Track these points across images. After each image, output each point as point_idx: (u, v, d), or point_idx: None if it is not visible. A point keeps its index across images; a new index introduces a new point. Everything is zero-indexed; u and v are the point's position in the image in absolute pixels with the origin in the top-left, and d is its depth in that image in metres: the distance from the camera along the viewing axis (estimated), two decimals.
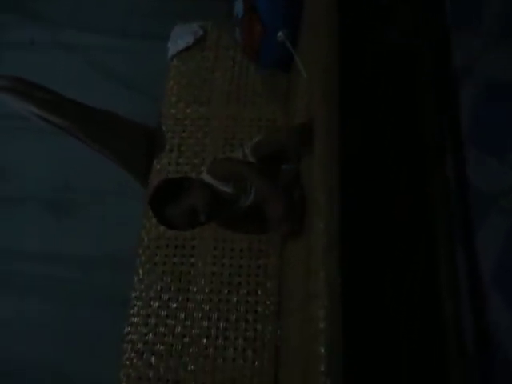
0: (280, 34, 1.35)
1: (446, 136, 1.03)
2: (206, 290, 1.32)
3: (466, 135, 0.96)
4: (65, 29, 1.95)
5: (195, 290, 1.33)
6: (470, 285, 0.92)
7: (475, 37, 1.05)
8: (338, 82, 1.01)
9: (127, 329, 1.30)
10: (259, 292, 1.30)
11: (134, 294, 1.34)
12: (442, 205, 1.03)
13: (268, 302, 1.28)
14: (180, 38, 1.68)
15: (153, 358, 1.26)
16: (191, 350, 1.26)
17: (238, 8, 1.44)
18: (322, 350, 0.75)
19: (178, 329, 1.29)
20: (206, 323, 1.28)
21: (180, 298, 1.32)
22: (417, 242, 1.00)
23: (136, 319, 1.30)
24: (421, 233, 1.01)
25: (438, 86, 1.11)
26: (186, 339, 1.27)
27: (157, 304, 1.31)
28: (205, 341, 1.26)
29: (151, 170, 1.50)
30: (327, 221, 0.84)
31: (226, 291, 1.31)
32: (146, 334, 1.29)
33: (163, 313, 1.30)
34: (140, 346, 1.28)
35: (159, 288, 1.33)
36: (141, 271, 1.37)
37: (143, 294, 1.34)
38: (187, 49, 1.67)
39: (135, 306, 1.32)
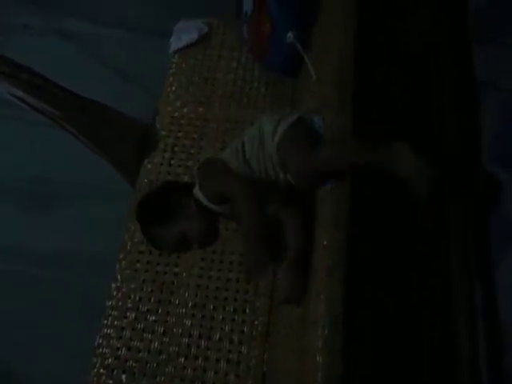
0: (290, 34, 1.27)
1: (465, 147, 0.94)
2: (190, 304, 1.20)
3: (489, 151, 0.88)
4: (61, 15, 1.86)
5: (177, 302, 1.21)
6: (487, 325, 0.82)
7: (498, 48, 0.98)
8: (352, 84, 0.92)
9: (98, 341, 1.17)
10: (247, 310, 1.19)
11: (109, 303, 1.21)
12: (459, 231, 0.94)
13: (256, 322, 1.17)
14: (183, 34, 1.59)
15: (124, 377, 1.13)
16: (167, 370, 1.13)
17: (247, 5, 1.36)
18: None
19: (155, 344, 1.16)
20: (186, 340, 1.16)
21: (160, 311, 1.20)
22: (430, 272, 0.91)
23: (109, 331, 1.18)
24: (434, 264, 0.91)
25: (458, 92, 1.03)
26: (163, 357, 1.15)
27: (134, 315, 1.19)
28: (183, 360, 1.14)
29: (141, 169, 1.40)
30: (331, 239, 0.74)
31: (211, 307, 1.20)
32: (118, 349, 1.16)
33: (140, 326, 1.18)
34: (111, 361, 1.15)
35: (138, 298, 1.21)
36: (120, 278, 1.25)
37: (120, 303, 1.21)
38: (190, 46, 1.59)
39: (110, 315, 1.20)
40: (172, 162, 1.41)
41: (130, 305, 1.21)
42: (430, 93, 1.07)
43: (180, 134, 1.45)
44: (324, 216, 0.76)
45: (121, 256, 1.28)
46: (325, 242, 0.73)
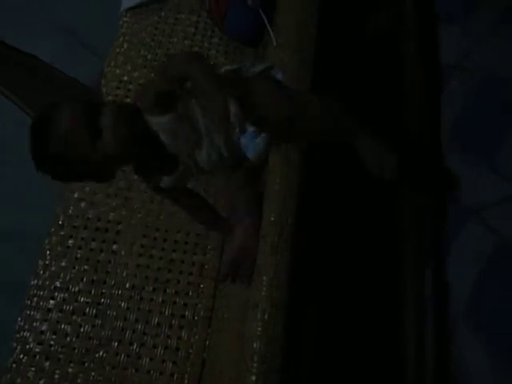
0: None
1: (427, 133, 0.90)
2: (127, 286, 1.10)
3: (449, 135, 0.84)
4: None
5: (113, 283, 1.10)
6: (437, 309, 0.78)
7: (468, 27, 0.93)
8: (313, 53, 0.85)
9: (20, 324, 1.05)
10: (190, 293, 1.10)
11: (34, 282, 1.08)
12: (412, 215, 0.90)
13: (199, 306, 1.08)
14: None
15: (47, 364, 1.02)
16: (97, 356, 1.03)
17: None
18: (253, 379, 0.57)
19: (85, 328, 1.05)
20: (120, 324, 1.06)
21: (93, 292, 1.09)
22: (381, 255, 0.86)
23: (33, 313, 1.06)
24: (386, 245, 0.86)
25: (426, 77, 0.98)
26: (93, 342, 1.04)
27: (62, 296, 1.07)
28: (116, 345, 1.04)
29: None
30: (279, 213, 0.66)
31: (151, 288, 1.10)
32: (42, 333, 1.04)
33: (68, 308, 1.07)
34: (33, 345, 1.03)
35: (68, 278, 1.09)
36: (48, 255, 1.12)
37: (47, 282, 1.09)
38: (144, 5, 1.44)
39: (34, 296, 1.07)
40: None
41: (58, 284, 1.09)
42: (395, 74, 1.02)
43: (128, 100, 1.32)
44: (273, 188, 0.68)
45: (52, 230, 1.15)
46: (272, 218, 0.65)
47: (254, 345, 0.58)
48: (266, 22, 1.13)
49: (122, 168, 0.81)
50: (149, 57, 1.38)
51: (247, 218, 0.76)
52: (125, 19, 1.44)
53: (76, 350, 1.03)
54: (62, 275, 1.10)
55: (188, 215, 0.91)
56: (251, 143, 0.79)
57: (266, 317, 0.60)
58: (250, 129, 0.79)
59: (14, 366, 1.02)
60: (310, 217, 0.70)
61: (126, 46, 1.40)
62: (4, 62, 1.12)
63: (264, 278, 0.62)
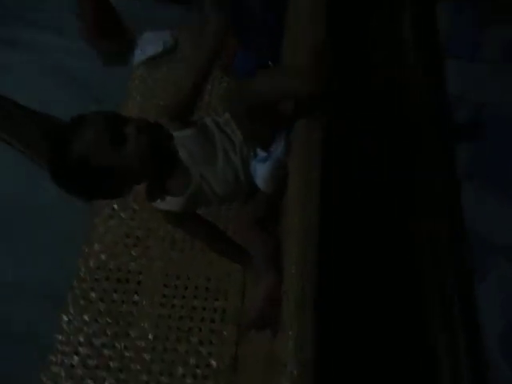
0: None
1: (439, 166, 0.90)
2: (150, 336, 1.09)
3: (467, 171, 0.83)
4: (22, 26, 1.75)
5: (136, 335, 1.09)
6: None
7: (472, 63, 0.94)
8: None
9: (45, 381, 1.04)
10: (213, 341, 1.09)
11: (59, 337, 1.09)
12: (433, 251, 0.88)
13: (223, 355, 1.06)
14: (148, 46, 1.52)
15: None
16: None
17: None
18: None
19: (110, 383, 1.04)
20: (145, 377, 1.05)
21: (116, 345, 1.08)
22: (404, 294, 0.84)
23: (57, 369, 1.05)
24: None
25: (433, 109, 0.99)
26: None
27: (86, 351, 1.07)
28: None
29: None
30: (300, 264, 0.66)
31: (174, 338, 1.09)
32: None
33: (93, 362, 1.06)
34: None
35: (92, 332, 1.09)
36: (72, 309, 1.12)
37: (71, 337, 1.09)
38: (154, 58, 1.51)
39: (59, 352, 1.07)
40: None
41: (82, 339, 1.08)
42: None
43: None
44: (293, 239, 0.68)
45: (74, 283, 1.16)
46: (293, 270, 0.65)
47: None
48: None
49: (138, 183, 0.82)
50: (160, 106, 1.43)
51: (267, 275, 0.75)
52: (137, 72, 1.51)
53: None
54: (85, 329, 1.10)
55: (206, 246, 0.92)
56: (259, 168, 0.82)
57: (295, 373, 0.59)
58: (261, 153, 0.81)
59: None
60: (332, 266, 0.69)
61: (138, 98, 1.46)
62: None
63: (290, 333, 0.61)
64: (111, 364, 1.06)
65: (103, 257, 1.19)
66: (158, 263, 1.18)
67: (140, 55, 1.51)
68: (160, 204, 0.82)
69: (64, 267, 1.20)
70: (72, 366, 1.05)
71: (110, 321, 1.11)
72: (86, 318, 1.11)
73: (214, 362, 1.06)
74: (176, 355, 1.07)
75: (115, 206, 1.25)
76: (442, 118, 0.91)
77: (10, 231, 1.38)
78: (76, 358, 1.06)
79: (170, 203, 0.81)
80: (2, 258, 1.30)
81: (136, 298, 1.13)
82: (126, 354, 1.07)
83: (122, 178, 0.78)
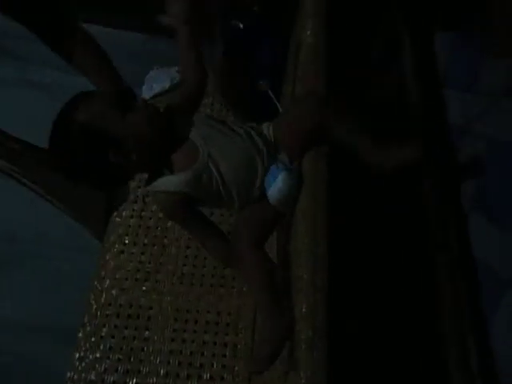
0: (262, 82, 1.25)
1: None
2: (161, 373, 1.09)
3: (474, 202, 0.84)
4: (33, 65, 1.82)
5: (147, 371, 1.09)
6: None
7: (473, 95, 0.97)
8: None
9: None
10: (225, 376, 1.08)
11: (69, 375, 1.09)
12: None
13: None
14: (155, 82, 1.57)
15: None
16: None
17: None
18: None
19: None
20: None
21: (128, 382, 1.08)
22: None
23: None
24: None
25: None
26: None
27: None
28: None
29: (109, 222, 1.31)
30: (310, 304, 0.67)
31: (185, 375, 1.08)
32: None
33: None
34: None
35: (103, 369, 1.09)
36: (83, 346, 1.13)
37: (82, 375, 1.09)
38: (162, 94, 1.56)
39: None
40: (143, 213, 1.33)
41: (93, 377, 1.08)
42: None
43: None
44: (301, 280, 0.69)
45: (85, 320, 1.16)
46: (304, 310, 0.65)
47: None
48: (275, 101, 1.20)
49: (144, 160, 0.76)
50: None
51: (272, 317, 0.73)
52: None
53: None
54: (96, 366, 1.10)
55: (202, 246, 0.85)
56: (273, 177, 0.76)
57: None
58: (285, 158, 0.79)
59: None
60: (343, 303, 0.70)
61: None
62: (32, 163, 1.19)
63: (302, 374, 0.61)
64: None
65: (114, 292, 1.20)
66: (167, 297, 1.18)
67: (147, 92, 1.56)
68: (159, 184, 0.75)
69: (75, 304, 1.21)
70: None
71: (121, 357, 1.11)
72: (97, 354, 1.11)
73: None
74: None
75: (126, 241, 1.27)
76: (445, 150, 0.93)
77: (22, 267, 1.40)
78: None
79: (170, 181, 0.74)
80: (14, 296, 1.32)
81: (147, 334, 1.14)
82: None
83: (126, 153, 0.72)
